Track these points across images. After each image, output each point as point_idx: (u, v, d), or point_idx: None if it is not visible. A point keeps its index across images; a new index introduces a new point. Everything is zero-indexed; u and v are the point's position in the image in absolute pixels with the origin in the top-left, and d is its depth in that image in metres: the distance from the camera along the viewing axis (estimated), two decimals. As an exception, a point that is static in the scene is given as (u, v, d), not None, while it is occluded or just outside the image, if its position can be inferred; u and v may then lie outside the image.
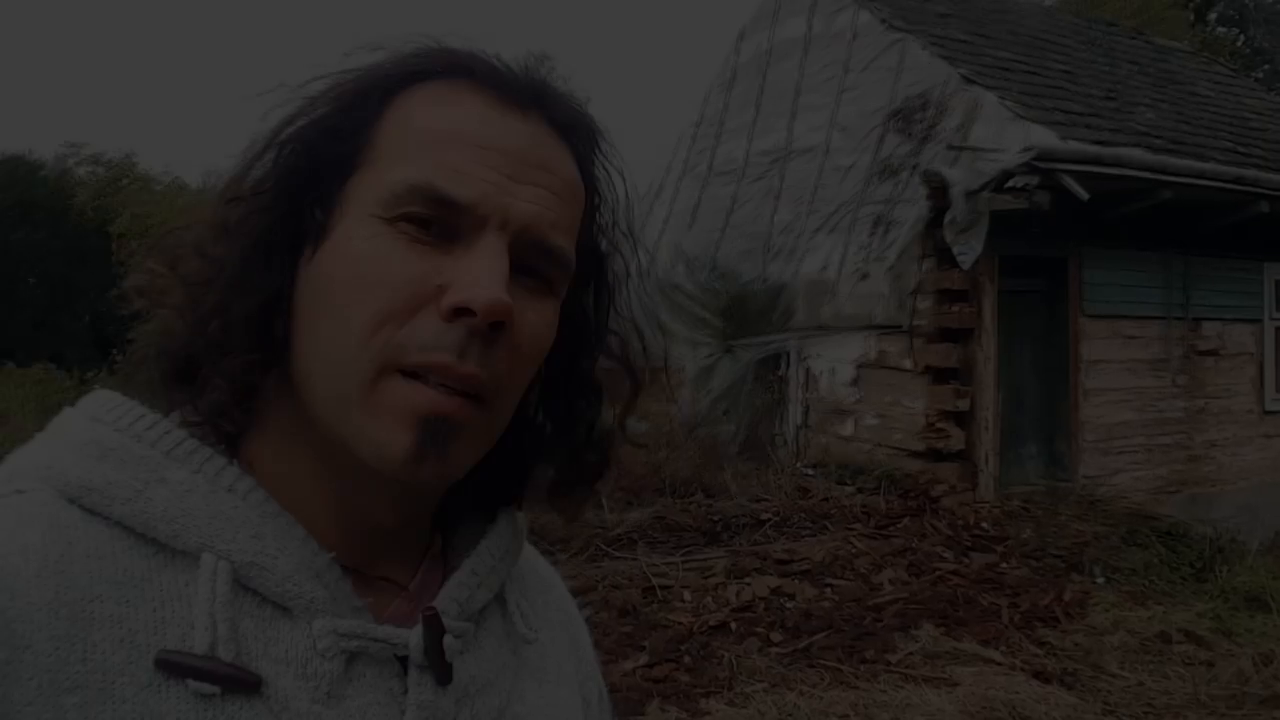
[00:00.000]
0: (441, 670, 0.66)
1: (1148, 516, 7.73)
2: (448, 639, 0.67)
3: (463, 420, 0.63)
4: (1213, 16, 33.49)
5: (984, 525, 7.11)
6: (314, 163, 0.65)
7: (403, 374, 0.62)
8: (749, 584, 5.92)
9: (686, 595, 5.78)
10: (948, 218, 7.39)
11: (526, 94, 0.68)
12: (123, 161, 21.83)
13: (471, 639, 0.71)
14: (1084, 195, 7.02)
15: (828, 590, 5.96)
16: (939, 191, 7.45)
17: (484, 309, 0.61)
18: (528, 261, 0.66)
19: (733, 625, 5.37)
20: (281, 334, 0.65)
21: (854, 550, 6.55)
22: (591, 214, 0.73)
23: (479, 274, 0.62)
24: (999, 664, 4.89)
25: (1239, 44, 31.84)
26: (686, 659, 4.92)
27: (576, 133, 0.71)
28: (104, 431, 0.63)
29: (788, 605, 5.71)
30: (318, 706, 0.61)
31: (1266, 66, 31.25)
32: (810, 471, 8.58)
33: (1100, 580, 6.49)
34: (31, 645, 0.54)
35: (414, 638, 0.66)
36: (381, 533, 0.69)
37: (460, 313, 0.61)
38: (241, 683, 0.58)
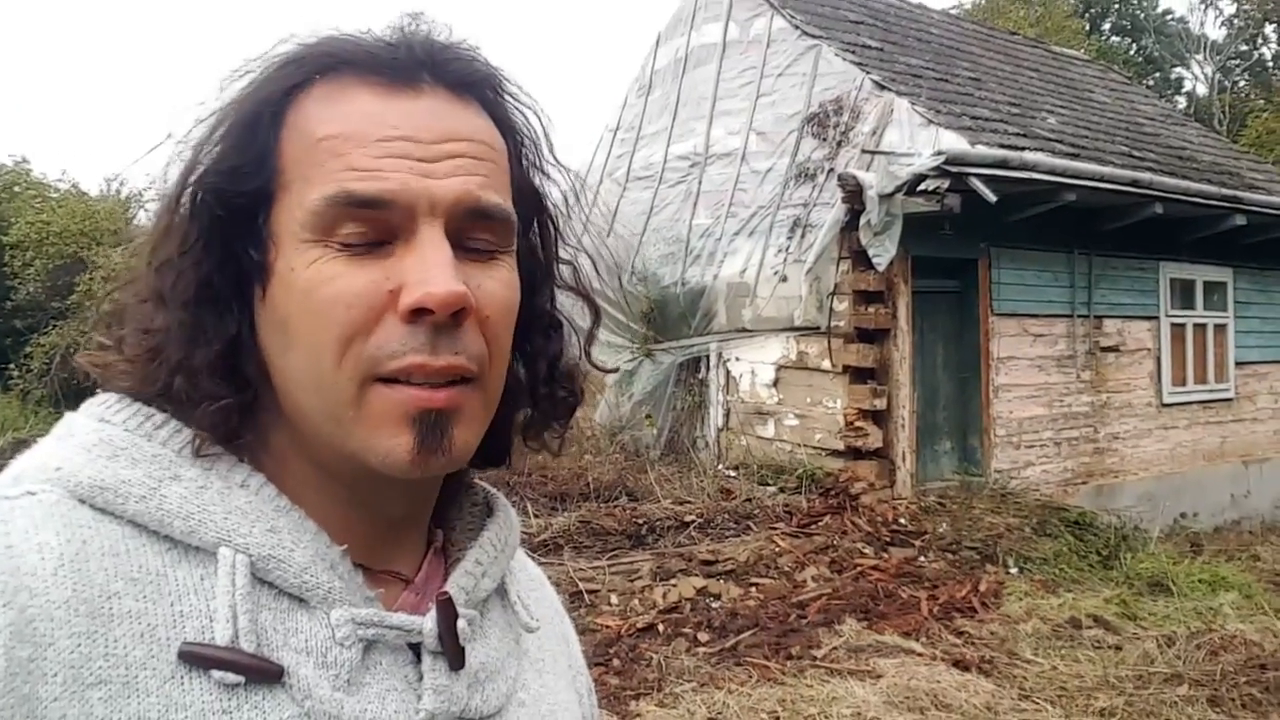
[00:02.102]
0: (455, 655, 0.68)
1: (1057, 508, 8.01)
2: (460, 623, 0.69)
3: (455, 406, 0.64)
4: (1106, 26, 34.98)
5: (902, 521, 7.26)
6: (230, 208, 0.65)
7: (383, 381, 0.63)
8: (675, 585, 5.94)
9: (613, 599, 5.78)
10: (863, 220, 7.54)
11: (411, 66, 0.66)
12: (16, 167, 20.89)
13: (479, 627, 0.73)
14: (992, 198, 7.24)
15: (753, 589, 6.02)
16: (854, 195, 7.60)
17: (440, 304, 0.61)
18: (470, 233, 0.66)
19: (660, 627, 5.39)
20: (254, 372, 0.66)
21: (777, 549, 6.63)
22: (518, 155, 0.73)
23: (426, 270, 0.62)
24: (920, 654, 5.00)
25: (1131, 53, 33.29)
26: (615, 662, 4.91)
27: (475, 84, 0.69)
28: (114, 431, 0.64)
29: (714, 605, 5.75)
30: (339, 694, 0.62)
31: (1157, 74, 32.75)
32: (732, 473, 8.66)
33: (1013, 570, 6.69)
34: (54, 643, 0.55)
35: (428, 624, 0.67)
36: (389, 524, 0.71)
37: (419, 312, 0.61)
38: (265, 672, 0.60)
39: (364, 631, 0.64)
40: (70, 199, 19.86)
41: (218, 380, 0.64)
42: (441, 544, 0.77)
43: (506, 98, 0.72)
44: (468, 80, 0.69)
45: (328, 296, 0.62)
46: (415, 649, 0.68)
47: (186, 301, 0.64)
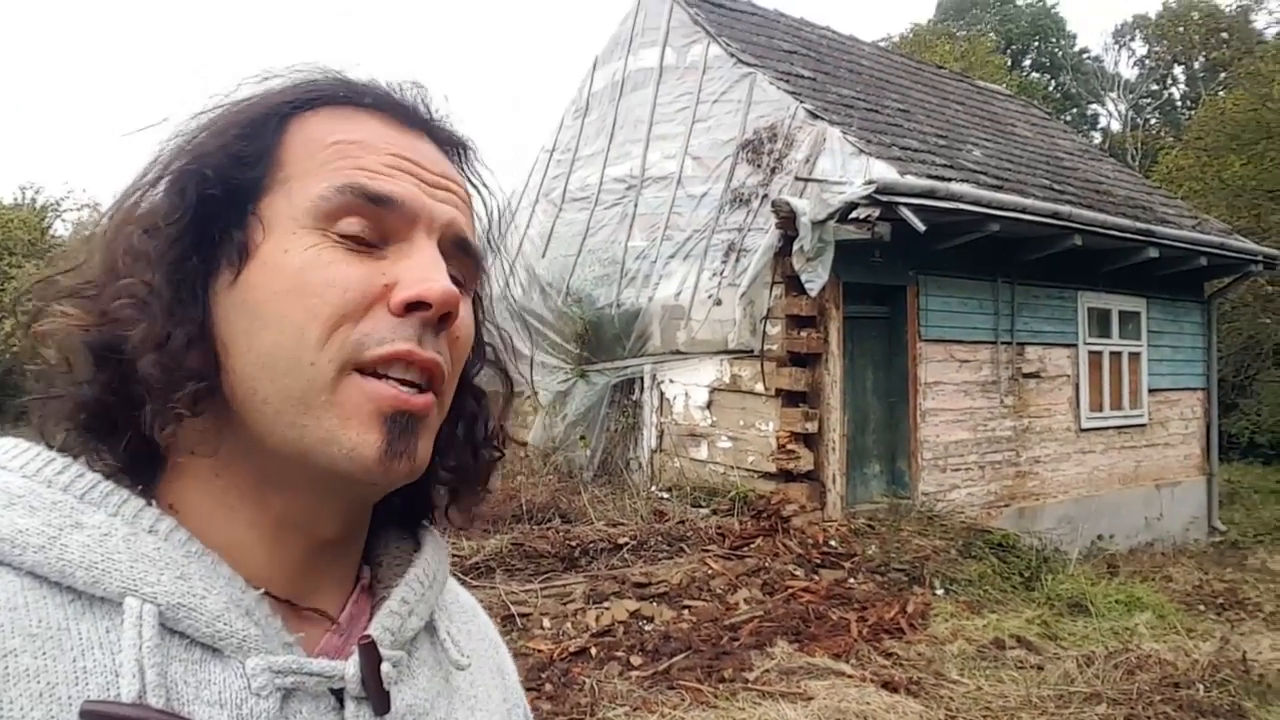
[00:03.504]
0: (379, 700, 0.66)
1: (981, 530, 8.20)
2: (385, 667, 0.67)
3: (425, 414, 0.65)
4: (1027, 63, 36.26)
5: (832, 543, 7.35)
6: (225, 189, 0.65)
7: (361, 373, 0.63)
8: (608, 608, 5.92)
9: (546, 622, 5.73)
10: (796, 246, 7.66)
11: (415, 116, 0.72)
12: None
13: (406, 668, 0.71)
14: (921, 227, 7.43)
15: (685, 612, 6.02)
16: (788, 220, 7.72)
17: (438, 300, 0.64)
18: (452, 260, 0.69)
19: (593, 650, 5.35)
20: (209, 363, 0.63)
21: (710, 571, 6.65)
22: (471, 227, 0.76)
23: (425, 269, 0.65)
24: (850, 676, 5.06)
25: (1050, 89, 34.54)
26: (548, 687, 4.87)
27: (456, 151, 0.75)
28: (10, 478, 0.60)
29: (647, 628, 5.74)
30: None
31: (1074, 110, 34.02)
32: (665, 495, 8.68)
33: (940, 592, 6.82)
34: None
35: (350, 669, 0.65)
36: (320, 550, 0.69)
37: (413, 307, 0.64)
38: None
39: (281, 680, 0.62)
40: (15, 210, 19.17)
41: (195, 362, 0.62)
42: (369, 581, 0.75)
43: (473, 172, 0.77)
44: (451, 144, 0.75)
45: (323, 278, 0.63)
46: (339, 694, 0.65)
47: (169, 266, 0.63)
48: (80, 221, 19.33)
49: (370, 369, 0.62)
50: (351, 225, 0.64)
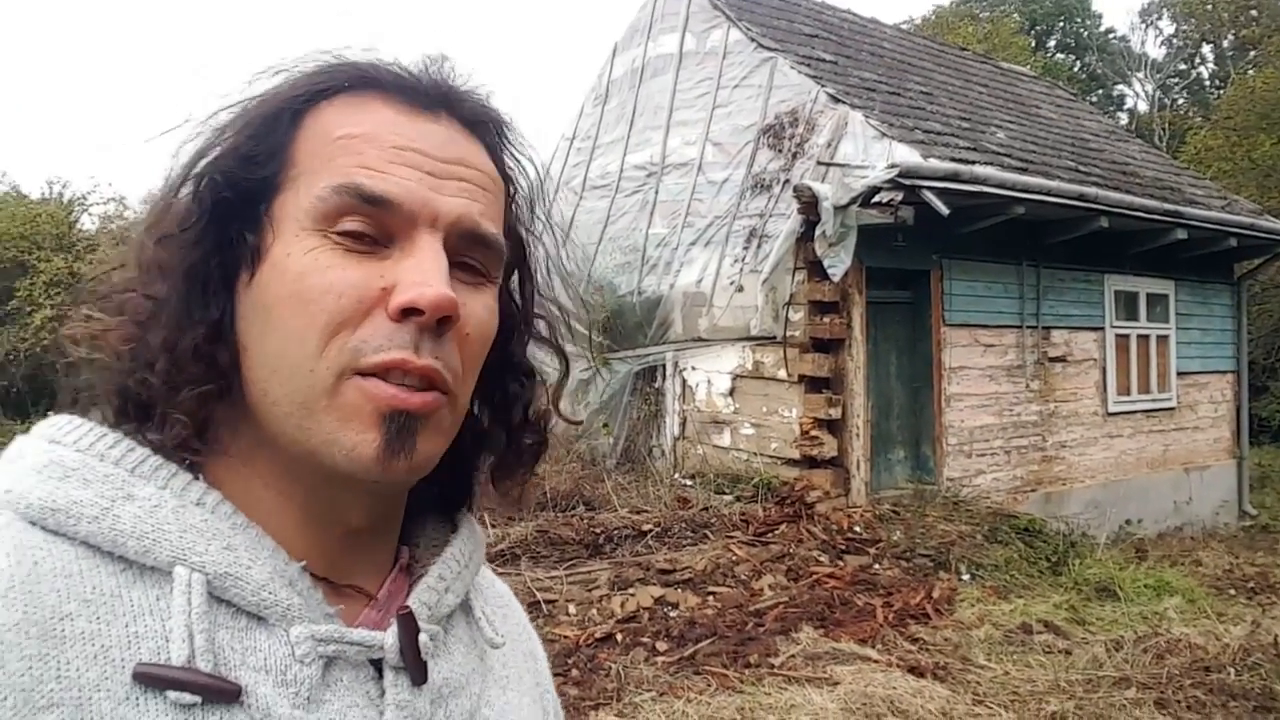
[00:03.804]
0: (417, 670, 0.68)
1: (1007, 515, 8.15)
2: (423, 638, 0.68)
3: (426, 413, 0.64)
4: (1052, 44, 35.81)
5: (857, 529, 7.33)
6: (237, 191, 0.66)
7: (361, 375, 0.63)
8: (633, 595, 5.94)
9: (571, 608, 5.75)
10: (818, 231, 7.63)
11: (433, 96, 0.70)
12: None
13: (442, 643, 0.73)
14: (945, 210, 7.36)
15: (710, 598, 6.03)
16: (810, 206, 7.68)
17: (431, 306, 0.62)
18: (464, 254, 0.68)
19: (619, 636, 5.37)
20: (227, 361, 0.65)
21: (734, 558, 6.66)
22: (509, 204, 0.75)
23: (422, 273, 0.63)
24: (876, 661, 5.05)
25: (1075, 70, 34.10)
26: (574, 672, 4.89)
27: (485, 127, 0.73)
28: (64, 453, 0.63)
29: (672, 614, 5.75)
30: (298, 712, 0.62)
31: (1100, 91, 33.58)
32: (689, 482, 8.68)
33: (966, 577, 6.79)
34: (4, 665, 0.54)
35: (389, 639, 0.67)
36: (352, 537, 0.70)
37: (409, 312, 0.63)
38: (222, 692, 0.59)
39: (324, 648, 0.64)
40: (10, 201, 19.38)
41: (201, 364, 0.64)
42: (407, 561, 0.76)
43: (509, 145, 0.75)
44: (479, 120, 0.72)
45: (320, 284, 0.63)
46: (377, 665, 0.67)
47: (183, 273, 0.65)
48: (107, 216, 19.51)
49: (369, 372, 0.63)
50: (352, 224, 0.64)
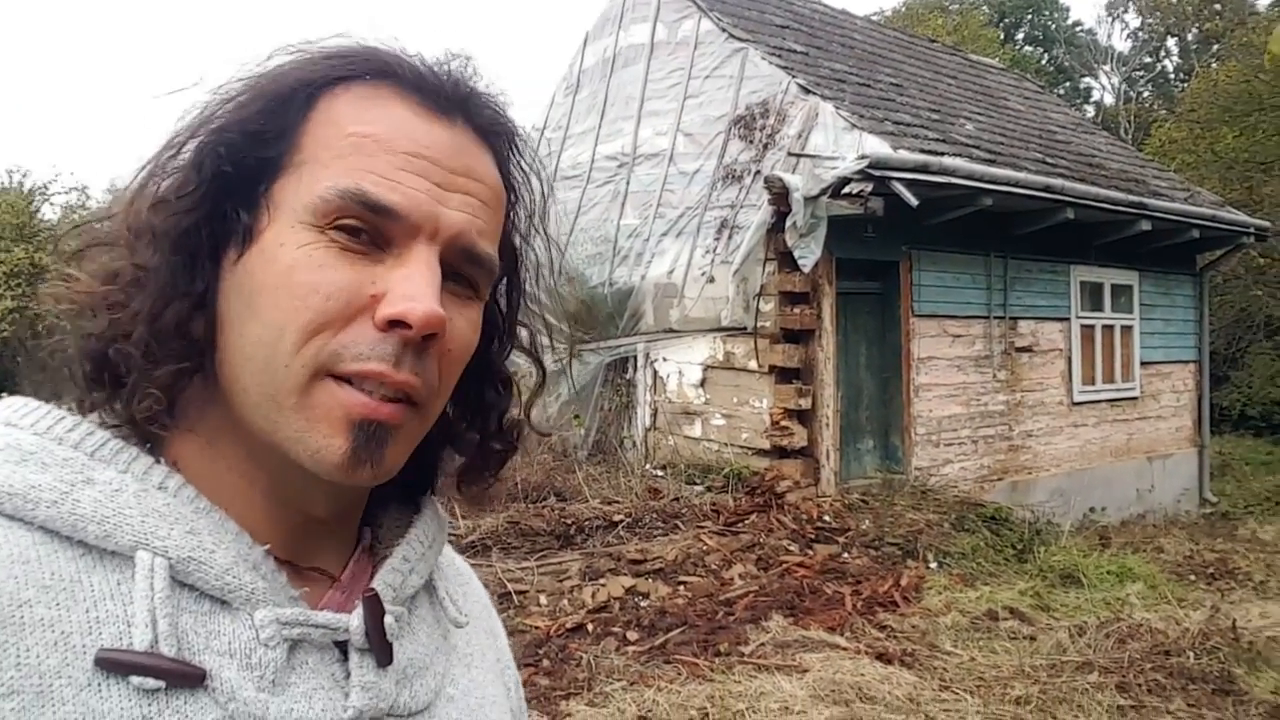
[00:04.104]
0: (382, 652, 0.68)
1: (974, 504, 8.24)
2: (388, 620, 0.68)
3: (397, 424, 0.64)
4: (1020, 36, 36.11)
5: (826, 518, 7.39)
6: (238, 166, 0.65)
7: (335, 379, 0.63)
8: (604, 585, 5.95)
9: (542, 599, 5.76)
10: (789, 222, 7.65)
11: (450, 98, 0.69)
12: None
13: (406, 624, 0.73)
14: (914, 202, 7.42)
15: (681, 587, 6.06)
16: (781, 196, 7.71)
17: (420, 322, 0.62)
18: (456, 268, 0.67)
19: (590, 626, 5.39)
20: (202, 335, 0.64)
21: (705, 548, 6.69)
22: (508, 213, 0.75)
23: (414, 286, 0.63)
24: (845, 649, 5.10)
25: (1043, 62, 34.41)
26: (545, 662, 4.90)
27: (498, 135, 0.72)
28: (21, 435, 0.62)
29: (643, 604, 5.78)
30: (263, 695, 0.62)
31: (1067, 84, 33.92)
32: (660, 472, 8.71)
33: (933, 565, 6.86)
34: None
35: (354, 621, 0.67)
36: (314, 523, 0.70)
37: (395, 324, 0.62)
38: (186, 676, 0.58)
39: (288, 631, 0.64)
40: None
41: (182, 339, 0.63)
42: (369, 543, 0.76)
43: (517, 156, 0.75)
44: (492, 128, 0.72)
45: (309, 281, 0.62)
46: (342, 647, 0.67)
47: (173, 241, 0.64)
48: (69, 206, 19.18)
49: (344, 377, 0.62)
50: (349, 228, 0.63)
